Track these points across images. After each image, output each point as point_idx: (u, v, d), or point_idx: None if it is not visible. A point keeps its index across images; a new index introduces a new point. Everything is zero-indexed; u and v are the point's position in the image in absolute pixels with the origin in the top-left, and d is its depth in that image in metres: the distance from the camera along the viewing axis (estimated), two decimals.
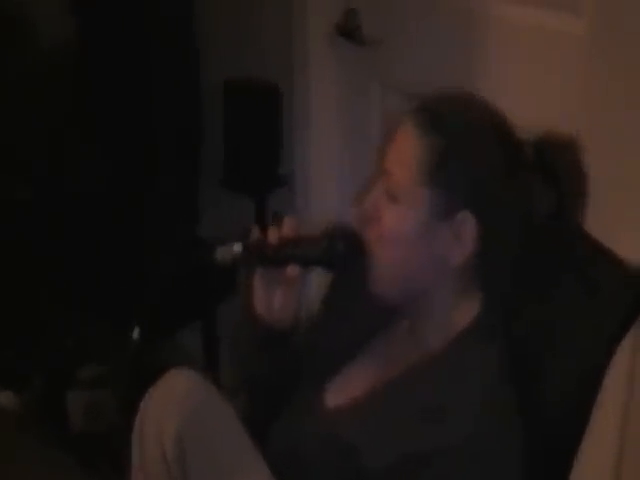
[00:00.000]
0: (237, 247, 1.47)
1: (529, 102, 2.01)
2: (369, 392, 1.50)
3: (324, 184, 2.57)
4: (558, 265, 1.51)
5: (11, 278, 2.61)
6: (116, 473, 1.64)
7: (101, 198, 2.44)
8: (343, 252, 1.47)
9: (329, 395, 1.56)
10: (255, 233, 1.51)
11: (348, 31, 2.34)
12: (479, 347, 1.45)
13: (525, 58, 2.03)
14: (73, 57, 2.37)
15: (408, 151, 1.42)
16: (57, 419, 2.71)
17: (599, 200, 1.85)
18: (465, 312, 1.47)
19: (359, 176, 2.49)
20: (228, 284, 2.60)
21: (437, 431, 1.37)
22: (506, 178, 1.41)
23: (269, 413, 1.60)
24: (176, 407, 1.46)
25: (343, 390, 1.54)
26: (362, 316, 1.60)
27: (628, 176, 1.85)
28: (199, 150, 2.62)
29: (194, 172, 2.61)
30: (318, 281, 1.67)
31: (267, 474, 1.49)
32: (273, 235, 1.49)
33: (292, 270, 1.48)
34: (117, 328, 2.47)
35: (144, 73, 2.41)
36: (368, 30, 2.31)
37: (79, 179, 2.43)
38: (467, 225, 1.39)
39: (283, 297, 1.53)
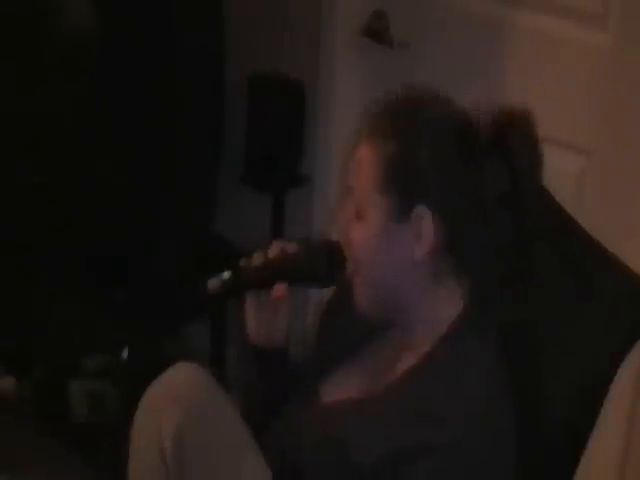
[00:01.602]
0: (226, 275, 1.51)
1: (553, 112, 2.00)
2: (363, 393, 1.51)
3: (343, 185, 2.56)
4: (565, 273, 1.52)
5: (16, 267, 2.61)
6: (115, 464, 1.63)
7: (118, 192, 2.43)
8: (325, 266, 1.53)
9: (325, 395, 1.57)
10: (243, 260, 1.54)
11: (375, 33, 2.33)
12: (466, 342, 1.45)
13: (550, 69, 2.03)
14: (96, 51, 2.37)
15: (364, 164, 1.45)
16: (58, 408, 2.72)
17: (611, 209, 1.85)
18: (449, 308, 1.47)
19: None
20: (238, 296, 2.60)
21: (426, 430, 1.36)
22: (458, 166, 1.42)
23: (266, 414, 1.61)
24: (177, 401, 1.48)
25: (338, 391, 1.56)
26: (358, 319, 1.59)
27: None
28: (220, 146, 2.61)
29: (214, 168, 2.61)
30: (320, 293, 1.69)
31: (266, 472, 1.49)
32: (259, 259, 1.53)
33: (278, 290, 1.52)
34: (124, 320, 2.47)
35: (168, 67, 2.40)
36: (395, 32, 2.31)
37: (95, 172, 2.43)
38: (424, 219, 1.41)
39: (273, 318, 1.57)
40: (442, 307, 1.47)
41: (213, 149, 2.60)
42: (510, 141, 1.44)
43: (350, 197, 1.47)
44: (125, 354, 2.41)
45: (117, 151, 2.42)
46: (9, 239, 2.57)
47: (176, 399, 1.47)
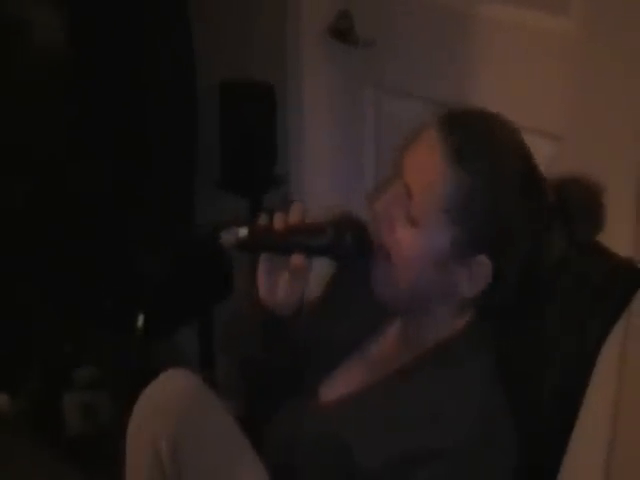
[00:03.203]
0: (243, 231, 1.43)
1: (522, 99, 2.02)
2: (362, 390, 1.51)
3: (318, 184, 2.57)
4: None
5: (7, 279, 2.61)
6: (111, 474, 1.64)
7: (95, 199, 2.44)
8: (350, 244, 1.44)
9: (325, 390, 1.57)
10: (262, 218, 1.47)
11: (341, 33, 2.34)
12: (471, 350, 1.46)
13: (516, 58, 2.04)
14: (67, 58, 2.37)
15: (434, 177, 1.37)
16: (52, 420, 2.71)
17: None
18: (458, 321, 1.48)
19: (353, 177, 2.50)
20: (225, 284, 2.61)
21: (428, 433, 1.37)
22: (527, 227, 1.40)
23: (265, 408, 1.60)
24: (171, 408, 1.47)
25: (338, 385, 1.55)
26: (360, 312, 1.60)
27: (616, 172, 1.86)
28: (195, 151, 2.62)
29: (190, 173, 2.62)
30: (320, 272, 1.66)
31: (263, 474, 1.49)
32: (279, 221, 1.45)
33: (297, 259, 1.44)
34: (113, 330, 2.47)
35: (139, 73, 2.41)
36: (361, 32, 2.32)
37: (74, 180, 2.43)
38: (483, 268, 1.39)
39: (286, 284, 1.48)
40: (450, 322, 1.47)
41: (188, 155, 2.61)
42: (573, 210, 1.43)
43: (404, 195, 1.40)
44: (140, 322, 2.40)
45: (92, 159, 2.43)
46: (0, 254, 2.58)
47: (169, 406, 1.47)
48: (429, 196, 1.38)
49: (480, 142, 1.39)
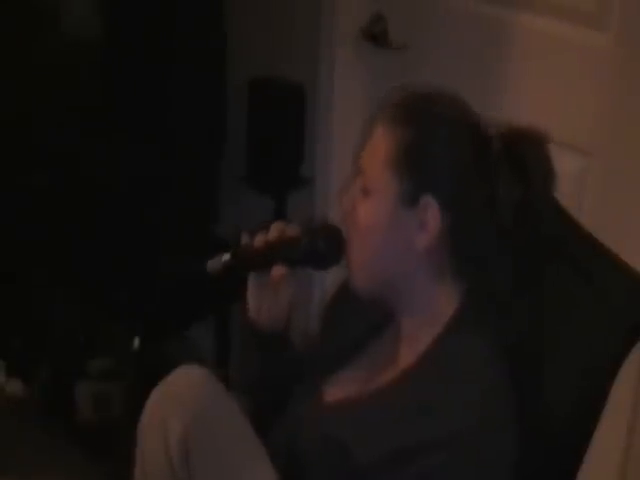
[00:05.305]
0: (226, 256, 1.53)
1: (553, 113, 2.01)
2: (364, 392, 1.52)
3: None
4: (566, 273, 1.53)
5: (20, 270, 2.62)
6: (122, 465, 1.65)
7: (121, 194, 2.45)
8: (324, 249, 1.53)
9: (327, 393, 1.59)
10: (244, 239, 1.56)
11: (374, 36, 2.35)
12: (464, 338, 1.47)
13: (550, 70, 2.03)
14: (99, 51, 2.39)
15: (379, 146, 1.46)
16: (65, 409, 2.73)
17: (611, 210, 1.86)
18: (448, 302, 1.49)
19: None
20: (241, 282, 2.60)
21: (428, 427, 1.38)
22: (470, 167, 1.45)
23: (270, 413, 1.62)
24: (183, 405, 1.48)
25: (340, 389, 1.57)
26: (361, 318, 1.62)
27: None
28: (223, 148, 2.62)
29: (216, 170, 2.62)
30: (330, 282, 1.69)
31: (272, 473, 1.50)
32: (259, 240, 1.54)
33: (276, 270, 1.52)
34: (128, 322, 2.48)
35: (170, 69, 2.42)
36: (394, 35, 2.32)
37: (97, 174, 2.44)
38: (430, 210, 1.43)
39: (272, 299, 1.58)
40: (439, 304, 1.49)
41: (215, 151, 2.61)
42: (522, 153, 1.46)
43: (359, 177, 1.48)
44: (136, 344, 2.42)
45: (120, 152, 2.44)
46: (14, 243, 2.59)
47: (181, 402, 1.48)
48: (375, 161, 1.46)
49: (419, 103, 1.50)
